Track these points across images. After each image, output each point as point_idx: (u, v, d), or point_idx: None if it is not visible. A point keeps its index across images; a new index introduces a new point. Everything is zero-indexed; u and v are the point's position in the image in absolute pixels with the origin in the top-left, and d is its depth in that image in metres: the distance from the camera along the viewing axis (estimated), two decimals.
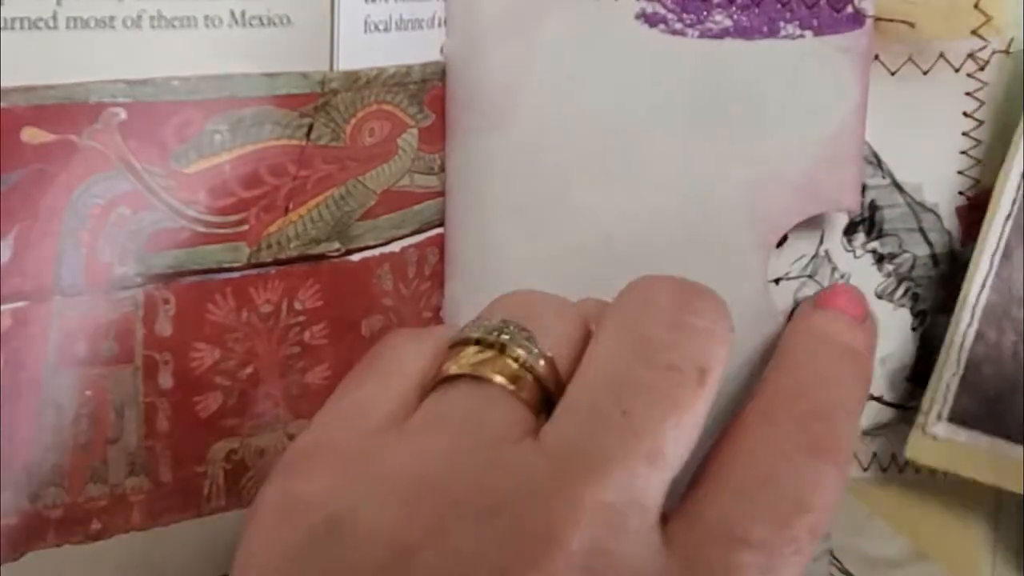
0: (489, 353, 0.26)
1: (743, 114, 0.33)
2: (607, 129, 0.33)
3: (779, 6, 0.32)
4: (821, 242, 0.35)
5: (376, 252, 0.32)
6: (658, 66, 0.33)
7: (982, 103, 0.36)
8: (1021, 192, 0.32)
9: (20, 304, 0.27)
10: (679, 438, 0.24)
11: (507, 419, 0.25)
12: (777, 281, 0.35)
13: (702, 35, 0.32)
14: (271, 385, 0.31)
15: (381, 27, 0.31)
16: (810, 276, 0.35)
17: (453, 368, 0.26)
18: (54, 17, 0.26)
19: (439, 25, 0.33)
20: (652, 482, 0.24)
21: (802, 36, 0.32)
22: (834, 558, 0.36)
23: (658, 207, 0.33)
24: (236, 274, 0.30)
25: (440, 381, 0.26)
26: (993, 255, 0.33)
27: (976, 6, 0.34)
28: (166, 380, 0.29)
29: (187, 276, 0.29)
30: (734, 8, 0.32)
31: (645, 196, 0.33)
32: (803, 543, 0.25)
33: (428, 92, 0.33)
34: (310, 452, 0.26)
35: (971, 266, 0.33)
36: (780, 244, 0.35)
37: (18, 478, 0.28)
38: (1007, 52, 0.35)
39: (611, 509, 0.23)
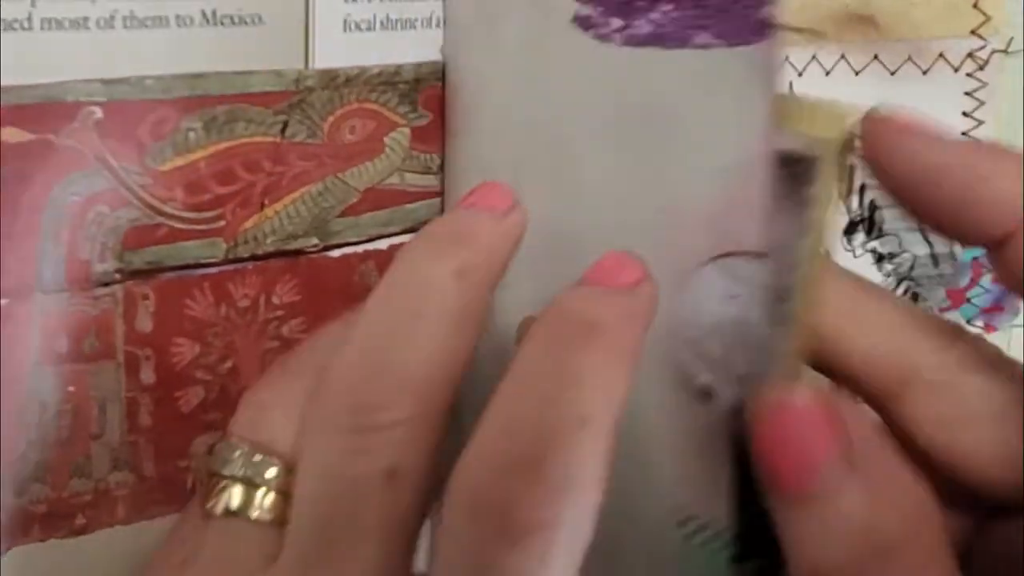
0: (224, 483, 0.26)
1: (657, 133, 0.29)
2: (547, 138, 0.31)
3: (695, 10, 0.28)
4: None
5: (359, 249, 0.33)
6: (586, 73, 0.30)
7: (982, 103, 0.36)
8: None
9: (2, 302, 0.27)
10: (388, 547, 0.24)
11: (248, 551, 0.25)
12: None
13: (626, 42, 0.29)
14: (251, 379, 0.31)
15: (363, 26, 0.31)
16: None
17: (208, 506, 0.26)
18: (29, 18, 0.26)
19: (437, 25, 0.33)
20: None
21: (713, 46, 0.28)
22: None
23: (593, 223, 0.30)
24: (214, 269, 0.30)
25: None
26: None
27: (975, 6, 0.34)
28: (148, 375, 0.30)
29: (166, 272, 0.29)
30: (655, 13, 0.28)
31: (582, 210, 0.30)
32: None
33: (423, 92, 0.33)
34: None
35: None
36: None
37: (3, 474, 0.28)
38: (1006, 51, 0.35)
39: None
